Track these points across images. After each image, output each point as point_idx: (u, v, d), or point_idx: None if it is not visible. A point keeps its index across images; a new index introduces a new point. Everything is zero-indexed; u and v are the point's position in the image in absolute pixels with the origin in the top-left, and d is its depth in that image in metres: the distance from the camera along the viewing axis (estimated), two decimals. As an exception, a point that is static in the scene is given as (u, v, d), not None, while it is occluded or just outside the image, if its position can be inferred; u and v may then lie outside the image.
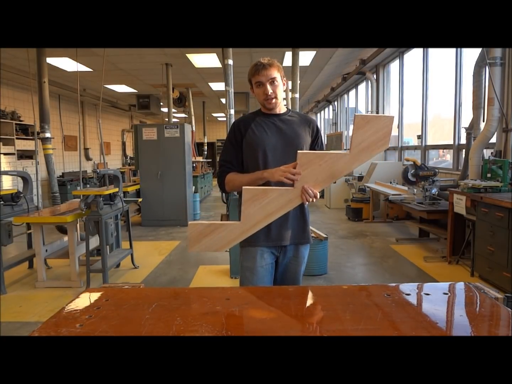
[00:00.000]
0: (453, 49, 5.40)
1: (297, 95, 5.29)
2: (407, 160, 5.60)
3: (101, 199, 3.69)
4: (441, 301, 1.18)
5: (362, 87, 9.97)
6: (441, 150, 6.70)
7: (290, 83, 5.10)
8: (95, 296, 1.27)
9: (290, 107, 3.95)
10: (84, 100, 10.62)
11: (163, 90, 8.29)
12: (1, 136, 7.18)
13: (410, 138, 7.93)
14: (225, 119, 4.49)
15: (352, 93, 11.12)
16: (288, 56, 6.62)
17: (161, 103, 10.27)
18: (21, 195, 4.13)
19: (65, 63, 7.02)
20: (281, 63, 1.82)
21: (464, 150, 5.18)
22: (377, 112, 8.21)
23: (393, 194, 5.41)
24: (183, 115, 12.65)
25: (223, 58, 4.10)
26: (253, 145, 1.71)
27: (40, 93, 4.58)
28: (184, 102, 10.53)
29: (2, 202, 3.91)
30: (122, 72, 7.98)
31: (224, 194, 4.03)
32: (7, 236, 3.79)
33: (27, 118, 8.06)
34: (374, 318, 1.04)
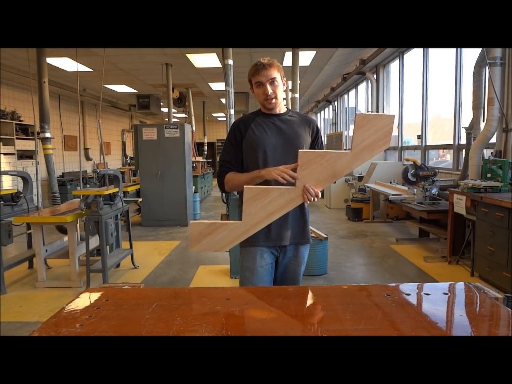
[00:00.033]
0: (453, 49, 5.40)
1: (297, 95, 5.29)
2: (407, 160, 5.60)
3: (101, 199, 3.69)
4: (441, 301, 1.18)
5: (362, 87, 9.97)
6: (441, 150, 6.70)
7: (290, 83, 5.10)
8: (95, 296, 1.27)
9: (290, 107, 3.95)
10: (84, 100, 10.63)
11: (163, 90, 8.29)
12: (1, 136, 7.17)
13: (410, 138, 7.93)
14: (225, 119, 4.49)
15: (352, 93, 11.12)
16: (288, 56, 6.62)
17: (161, 103, 10.27)
18: (21, 195, 4.13)
19: (65, 63, 7.02)
20: (281, 63, 1.82)
21: (464, 150, 5.18)
22: (377, 112, 8.22)
23: (393, 194, 5.41)
24: (183, 115, 12.65)
25: (223, 58, 4.10)
26: (253, 145, 1.71)
27: (40, 93, 4.58)
28: (184, 102, 10.53)
29: (2, 202, 3.91)
30: (122, 72, 7.98)
31: (224, 194, 4.03)
32: (7, 236, 3.79)
33: (27, 118, 8.06)
34: (374, 318, 1.04)
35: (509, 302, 1.14)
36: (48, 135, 4.64)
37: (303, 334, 0.99)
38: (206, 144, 13.09)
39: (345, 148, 9.22)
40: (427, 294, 1.21)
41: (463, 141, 5.29)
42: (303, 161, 1.48)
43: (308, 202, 1.52)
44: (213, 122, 18.87)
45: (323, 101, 13.45)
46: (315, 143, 1.79)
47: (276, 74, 1.68)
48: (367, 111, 9.08)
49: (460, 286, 1.28)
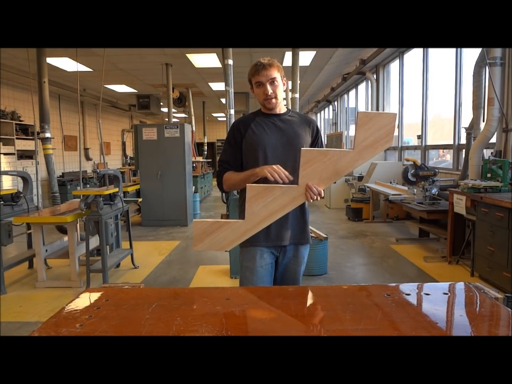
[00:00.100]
0: (453, 49, 5.40)
1: (297, 95, 5.29)
2: (407, 160, 5.60)
3: (101, 199, 3.69)
4: (441, 301, 1.18)
5: (362, 87, 9.97)
6: (441, 150, 6.70)
7: (290, 83, 5.10)
8: (95, 296, 1.27)
9: (290, 107, 3.96)
10: (84, 100, 10.63)
11: (163, 90, 8.29)
12: (1, 136, 7.17)
13: (410, 138, 7.93)
14: (225, 119, 4.49)
15: (352, 93, 11.12)
16: (288, 56, 6.62)
17: (161, 103, 10.27)
18: (21, 195, 4.13)
19: (65, 63, 7.02)
20: (281, 63, 1.82)
21: (464, 150, 5.18)
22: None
23: (393, 194, 5.41)
24: (183, 115, 12.65)
25: (223, 58, 4.10)
26: (253, 145, 1.71)
27: (40, 93, 4.58)
28: (184, 102, 10.53)
29: (2, 202, 3.91)
30: (122, 72, 7.98)
31: (223, 194, 4.03)
32: (7, 236, 3.79)
33: (27, 118, 8.06)
34: (374, 318, 1.04)
35: (509, 302, 1.14)
36: (48, 135, 4.64)
37: (303, 334, 0.99)
38: (206, 144, 13.09)
39: (345, 148, 9.22)
40: (427, 294, 1.21)
41: (463, 141, 5.29)
42: (306, 159, 1.48)
43: (311, 200, 1.51)
44: (213, 122, 18.87)
45: (323, 101, 13.45)
46: (315, 143, 1.79)
47: (276, 74, 1.68)
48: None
49: (460, 286, 1.27)
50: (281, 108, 1.79)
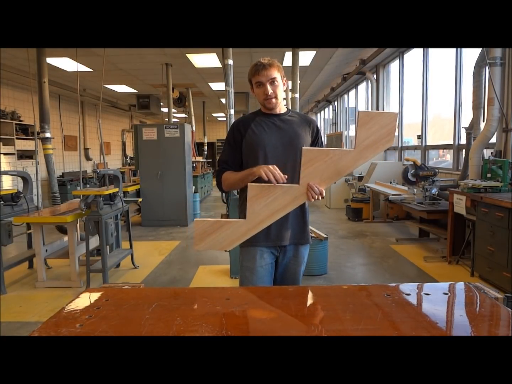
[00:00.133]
0: (453, 49, 5.40)
1: (297, 95, 5.29)
2: (407, 160, 5.60)
3: (101, 199, 3.69)
4: (441, 301, 1.18)
5: (362, 87, 9.97)
6: (441, 150, 6.70)
7: (290, 83, 5.10)
8: (95, 296, 1.27)
9: (290, 107, 3.96)
10: (84, 100, 10.62)
11: (163, 90, 8.29)
12: (1, 136, 7.17)
13: (410, 138, 7.93)
14: (225, 119, 4.49)
15: (352, 93, 11.12)
16: (288, 56, 6.62)
17: (161, 103, 10.27)
18: (21, 195, 4.13)
19: (65, 63, 7.02)
20: (281, 63, 1.82)
21: (464, 150, 5.18)
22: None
23: (393, 194, 5.41)
24: (183, 115, 12.65)
25: (223, 58, 4.10)
26: (253, 145, 1.71)
27: (40, 93, 4.58)
28: (184, 102, 10.53)
29: (2, 202, 3.91)
30: (122, 72, 7.98)
31: (223, 194, 4.03)
32: (7, 236, 3.79)
33: (27, 118, 8.06)
34: (374, 318, 1.04)
35: (509, 302, 1.14)
36: (48, 135, 4.64)
37: (303, 334, 0.99)
38: (206, 144, 13.09)
39: (345, 148, 9.22)
40: (427, 294, 1.21)
41: (463, 141, 5.29)
42: (307, 159, 1.48)
43: (312, 200, 1.51)
44: (213, 122, 18.87)
45: (323, 101, 13.45)
46: (315, 143, 1.79)
47: (276, 74, 1.68)
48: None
49: (460, 286, 1.27)
50: (281, 108, 1.79)
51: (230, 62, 4.09)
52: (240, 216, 1.78)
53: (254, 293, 1.35)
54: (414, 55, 7.01)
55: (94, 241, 4.08)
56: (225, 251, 3.98)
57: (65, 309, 1.13)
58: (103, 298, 1.22)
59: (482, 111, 4.50)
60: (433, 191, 4.73)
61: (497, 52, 4.20)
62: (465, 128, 4.90)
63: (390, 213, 6.84)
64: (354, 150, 1.48)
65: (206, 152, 12.85)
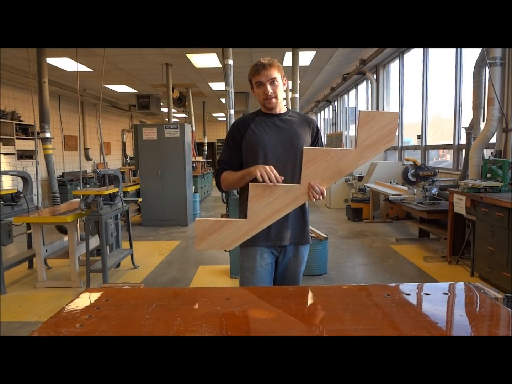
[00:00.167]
0: (453, 49, 5.40)
1: (297, 95, 5.29)
2: (407, 160, 5.60)
3: (101, 199, 3.69)
4: (441, 301, 1.18)
5: (362, 87, 9.97)
6: (441, 150, 6.70)
7: (290, 83, 5.10)
8: (95, 296, 1.27)
9: (290, 107, 3.95)
10: (84, 100, 10.62)
11: (163, 90, 8.29)
12: (1, 136, 7.17)
13: (410, 138, 7.93)
14: (225, 119, 4.49)
15: (352, 93, 11.12)
16: (288, 56, 6.62)
17: (161, 103, 10.27)
18: (21, 195, 4.13)
19: (65, 63, 7.02)
20: (281, 63, 1.82)
21: (464, 150, 5.18)
22: (377, 112, 8.20)
23: (393, 194, 5.41)
24: (183, 115, 12.65)
25: (223, 58, 4.10)
26: (253, 145, 1.71)
27: (40, 93, 4.58)
28: (184, 102, 10.53)
29: (2, 202, 3.91)
30: (122, 72, 7.98)
31: (223, 194, 4.03)
32: (7, 236, 3.79)
33: (27, 118, 8.06)
34: (374, 318, 1.04)
35: (509, 302, 1.14)
36: (48, 135, 4.64)
37: (303, 334, 0.99)
38: (206, 144, 13.09)
39: (345, 148, 9.21)
40: (427, 294, 1.21)
41: (463, 141, 5.29)
42: (308, 158, 1.48)
43: (314, 200, 1.51)
44: (213, 122, 18.87)
45: (323, 101, 13.45)
46: (315, 143, 1.79)
47: (276, 74, 1.68)
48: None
49: (460, 286, 1.27)
50: (281, 108, 1.79)
51: (230, 62, 4.09)
52: (240, 216, 1.78)
53: (254, 293, 1.35)
54: (414, 55, 7.02)
55: (94, 241, 4.08)
56: (226, 250, 3.99)
57: (65, 309, 1.13)
58: (103, 298, 1.22)
59: (482, 111, 4.50)
60: (433, 191, 4.73)
61: (497, 52, 4.20)
62: (465, 128, 4.90)
63: (390, 213, 6.84)
64: (355, 150, 1.48)
65: (206, 152, 12.86)
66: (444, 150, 6.52)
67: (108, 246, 4.06)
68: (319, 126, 1.98)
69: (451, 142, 5.70)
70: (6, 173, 6.67)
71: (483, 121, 4.46)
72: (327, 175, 1.50)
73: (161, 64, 7.37)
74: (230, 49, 4.09)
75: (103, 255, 3.71)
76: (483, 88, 4.49)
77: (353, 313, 1.07)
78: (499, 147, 4.38)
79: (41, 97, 4.58)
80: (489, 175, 4.02)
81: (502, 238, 3.29)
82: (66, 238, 4.26)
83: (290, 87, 5.28)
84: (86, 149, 11.52)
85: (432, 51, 6.29)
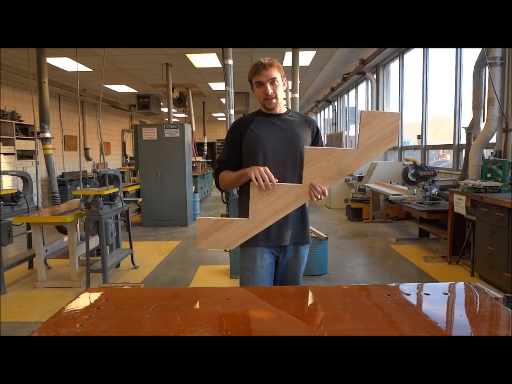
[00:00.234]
0: (453, 49, 5.40)
1: (297, 95, 5.29)
2: (407, 160, 5.60)
3: (101, 199, 3.69)
4: (441, 301, 1.18)
5: (362, 87, 9.97)
6: (441, 150, 6.70)
7: (290, 83, 5.10)
8: (95, 296, 1.27)
9: (290, 107, 3.95)
10: (84, 100, 10.62)
11: (163, 90, 8.28)
12: (1, 136, 7.18)
13: (410, 138, 7.93)
14: (225, 119, 4.49)
15: (352, 93, 11.12)
16: (288, 56, 6.62)
17: (161, 103, 10.26)
18: (21, 195, 4.13)
19: (65, 63, 7.03)
20: (281, 63, 1.81)
21: (464, 150, 5.18)
22: (377, 112, 8.20)
23: (393, 194, 5.41)
24: (183, 115, 12.64)
25: (223, 58, 4.10)
26: (253, 145, 1.71)
27: (40, 93, 4.58)
28: (184, 102, 10.53)
29: (2, 202, 3.91)
30: (122, 72, 7.98)
31: (223, 194, 4.03)
32: (7, 236, 3.79)
33: (27, 118, 8.06)
34: (374, 318, 1.04)
35: (509, 302, 1.14)
36: (48, 135, 4.63)
37: (303, 334, 0.99)
38: (206, 144, 13.08)
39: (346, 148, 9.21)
40: (427, 294, 1.21)
41: (463, 141, 5.29)
42: (309, 158, 1.48)
43: (315, 199, 1.51)
44: (213, 122, 18.86)
45: (323, 101, 13.45)
46: (316, 143, 1.79)
47: (276, 74, 1.67)
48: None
49: (460, 286, 1.27)
50: (281, 108, 1.78)
51: (230, 62, 4.09)
52: (240, 216, 1.78)
53: (254, 293, 1.35)
54: (414, 55, 7.02)
55: (94, 241, 4.08)
56: (226, 250, 3.98)
57: (65, 309, 1.13)
58: (103, 298, 1.22)
59: (482, 111, 4.50)
60: (433, 191, 4.73)
61: (497, 52, 4.20)
62: (465, 128, 4.91)
63: (390, 213, 6.84)
64: (357, 150, 1.48)
65: (206, 152, 12.84)
66: (444, 150, 6.52)
67: (108, 246, 4.06)
68: (319, 126, 1.98)
69: (451, 142, 5.70)
70: (6, 173, 6.67)
71: (483, 121, 4.46)
72: (329, 175, 1.50)
73: (161, 64, 7.36)
74: (230, 49, 4.08)
75: (103, 255, 3.71)
76: (483, 88, 4.49)
77: (353, 313, 1.07)
78: (499, 147, 4.38)
79: (41, 97, 4.58)
80: (489, 175, 4.02)
81: (502, 238, 3.29)
82: (66, 238, 4.26)
83: (290, 87, 5.28)
84: (86, 149, 11.53)
85: (432, 51, 6.29)
